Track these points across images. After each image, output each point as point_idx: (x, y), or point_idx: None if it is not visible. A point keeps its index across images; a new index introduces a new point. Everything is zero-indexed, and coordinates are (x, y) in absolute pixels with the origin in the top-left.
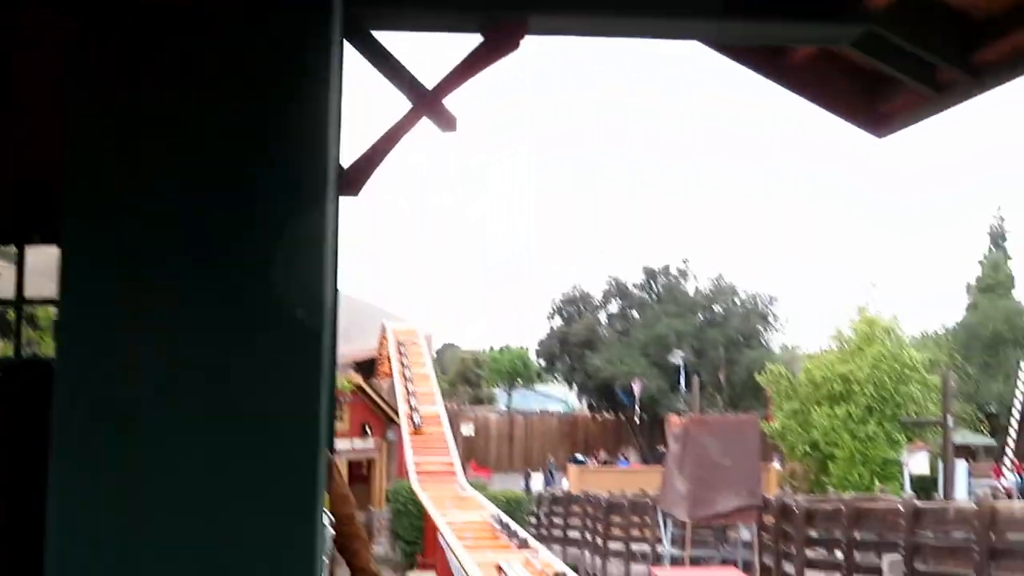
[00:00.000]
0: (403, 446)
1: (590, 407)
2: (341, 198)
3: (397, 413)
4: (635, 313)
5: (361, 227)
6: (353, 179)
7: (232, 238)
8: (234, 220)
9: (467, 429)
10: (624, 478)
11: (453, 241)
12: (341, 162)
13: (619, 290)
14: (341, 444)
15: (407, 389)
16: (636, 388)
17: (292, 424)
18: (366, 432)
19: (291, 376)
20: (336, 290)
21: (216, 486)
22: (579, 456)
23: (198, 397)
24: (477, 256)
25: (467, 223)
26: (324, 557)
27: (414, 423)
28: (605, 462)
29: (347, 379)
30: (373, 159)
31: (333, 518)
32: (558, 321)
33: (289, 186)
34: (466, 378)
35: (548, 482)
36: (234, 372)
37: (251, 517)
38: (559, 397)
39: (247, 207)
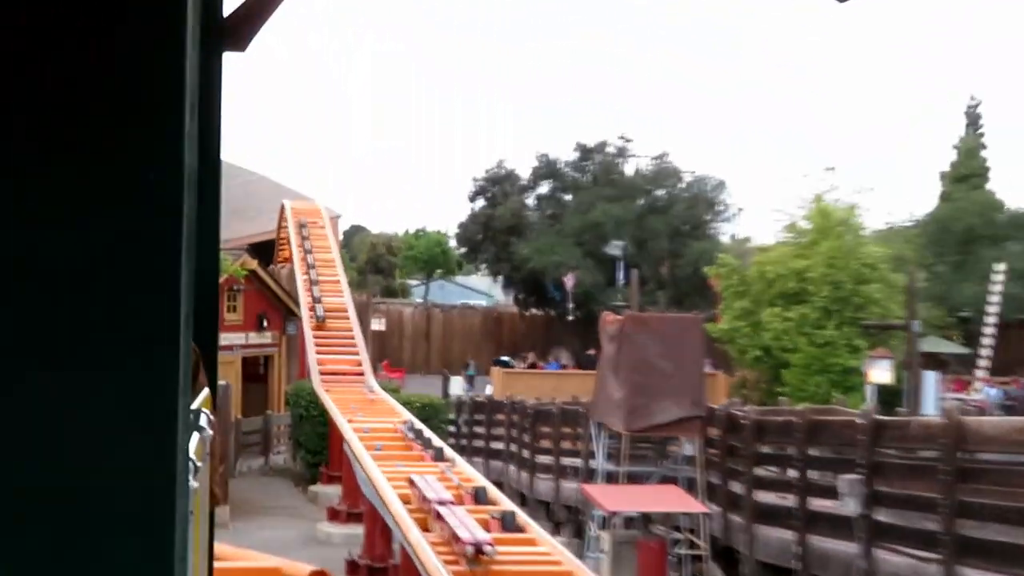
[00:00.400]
0: (305, 342)
1: (517, 302)
2: (226, 54)
3: (298, 304)
4: (568, 196)
5: (262, 91)
6: (237, 31)
7: (69, 86)
8: (71, 70)
9: (378, 324)
10: (554, 383)
11: (364, 112)
12: (222, 11)
13: (549, 169)
14: (234, 338)
15: (309, 277)
16: (568, 282)
17: (146, 316)
18: (263, 325)
19: (145, 257)
20: (217, 159)
21: (49, 389)
22: (504, 358)
23: (33, 274)
24: (390, 127)
25: (383, 94)
26: (196, 466)
27: (317, 316)
28: (533, 365)
29: (240, 264)
30: (261, 8)
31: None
32: (481, 203)
33: (139, 32)
34: (377, 266)
35: (469, 386)
36: (71, 250)
37: (94, 426)
38: (482, 291)
39: (82, 55)
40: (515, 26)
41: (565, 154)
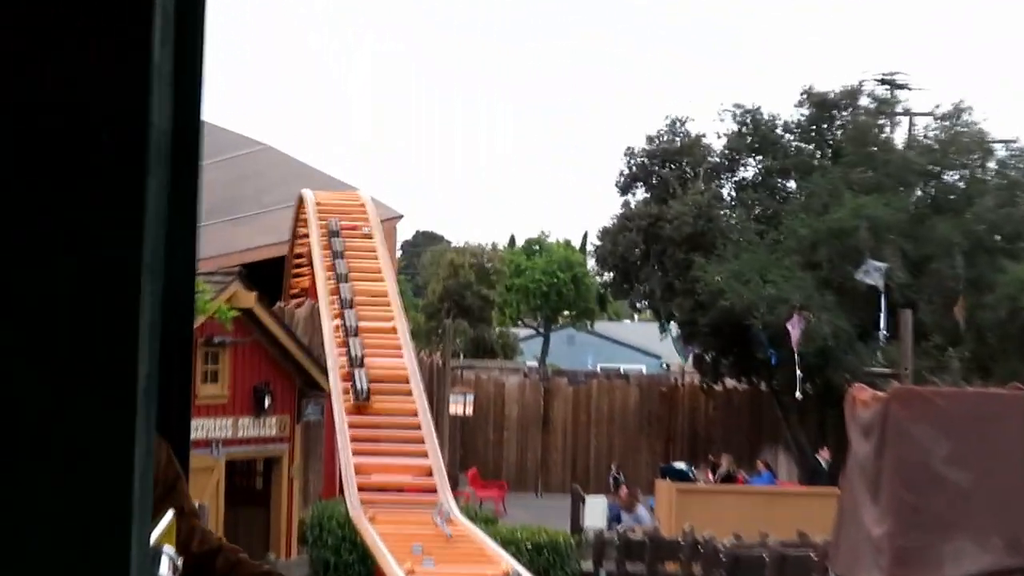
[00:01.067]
0: (335, 435)
1: (701, 366)
2: None
3: (322, 369)
4: (790, 184)
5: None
6: None
7: None
8: None
9: (461, 404)
10: (765, 508)
11: (437, 82)
12: None
13: (756, 131)
14: (213, 427)
15: (344, 321)
16: (793, 331)
17: (81, 386)
18: (263, 406)
19: (85, 280)
20: (197, 120)
21: None
22: (678, 464)
23: None
24: (484, 102)
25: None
26: None
27: (357, 390)
28: (728, 476)
29: (226, 301)
30: None
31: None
32: (640, 194)
33: None
34: (462, 303)
35: (617, 513)
36: None
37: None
38: (641, 346)
39: None
40: (515, 26)
41: (784, 109)
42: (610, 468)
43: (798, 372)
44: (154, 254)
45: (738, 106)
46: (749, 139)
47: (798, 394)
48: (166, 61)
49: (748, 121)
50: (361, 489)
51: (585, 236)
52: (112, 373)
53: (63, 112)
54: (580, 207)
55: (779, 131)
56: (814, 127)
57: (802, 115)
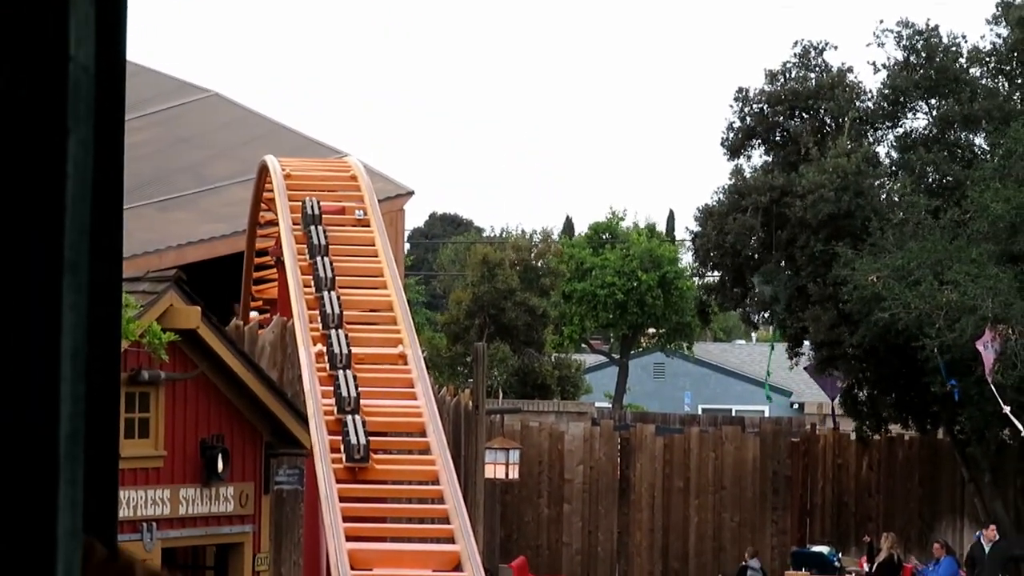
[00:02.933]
0: (319, 512)
1: (850, 404)
2: None
3: (300, 417)
4: (976, 137)
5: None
6: None
7: None
8: None
9: (502, 464)
10: None
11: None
12: None
13: (930, 62)
14: (143, 500)
15: (331, 347)
16: (985, 353)
17: None
18: (214, 469)
19: None
20: (119, 56)
21: None
22: (819, 548)
23: None
24: (519, 41)
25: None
26: None
27: (350, 447)
28: (891, 565)
29: (155, 321)
30: None
31: None
32: (755, 157)
33: None
34: (501, 317)
35: None
36: None
37: None
38: (757, 376)
39: None
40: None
41: (971, 28)
42: (744, 561)
43: (1004, 408)
44: (76, 248)
45: (904, 24)
46: (920, 73)
47: (994, 445)
48: None
49: (918, 46)
50: None
51: (672, 218)
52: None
53: None
54: (663, 176)
55: (964, 61)
56: (1015, 55)
57: (998, 37)
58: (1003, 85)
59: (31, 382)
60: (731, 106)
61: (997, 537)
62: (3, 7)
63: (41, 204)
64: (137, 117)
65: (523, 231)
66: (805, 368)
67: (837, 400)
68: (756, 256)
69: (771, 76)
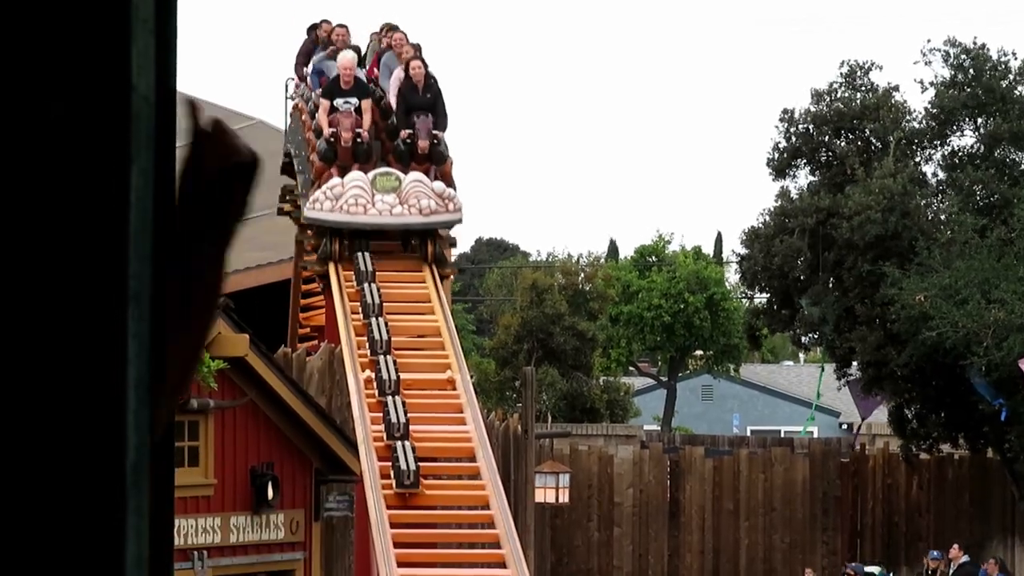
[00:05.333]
0: (369, 538)
1: (900, 424)
2: None
3: (350, 443)
4: None
5: None
6: None
7: None
8: None
9: (552, 488)
10: None
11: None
12: None
13: (979, 80)
14: (193, 528)
15: (379, 374)
16: None
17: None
18: (264, 496)
19: (51, 340)
20: (172, 85)
21: None
22: (871, 569)
23: None
24: (566, 63)
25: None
26: None
27: (400, 473)
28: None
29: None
30: None
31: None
32: (801, 178)
33: None
34: (549, 342)
35: None
36: None
37: None
38: (806, 397)
39: None
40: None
41: (1020, 44)
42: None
43: None
44: (139, 278)
45: (952, 43)
46: (967, 91)
47: None
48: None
49: (966, 65)
50: None
51: (719, 240)
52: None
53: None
54: (710, 198)
55: (1013, 78)
56: None
57: None
58: None
59: (99, 412)
60: (777, 126)
61: (965, 558)
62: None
63: (106, 234)
64: (183, 146)
65: (569, 255)
66: (847, 383)
67: (884, 419)
68: (803, 278)
69: (817, 96)
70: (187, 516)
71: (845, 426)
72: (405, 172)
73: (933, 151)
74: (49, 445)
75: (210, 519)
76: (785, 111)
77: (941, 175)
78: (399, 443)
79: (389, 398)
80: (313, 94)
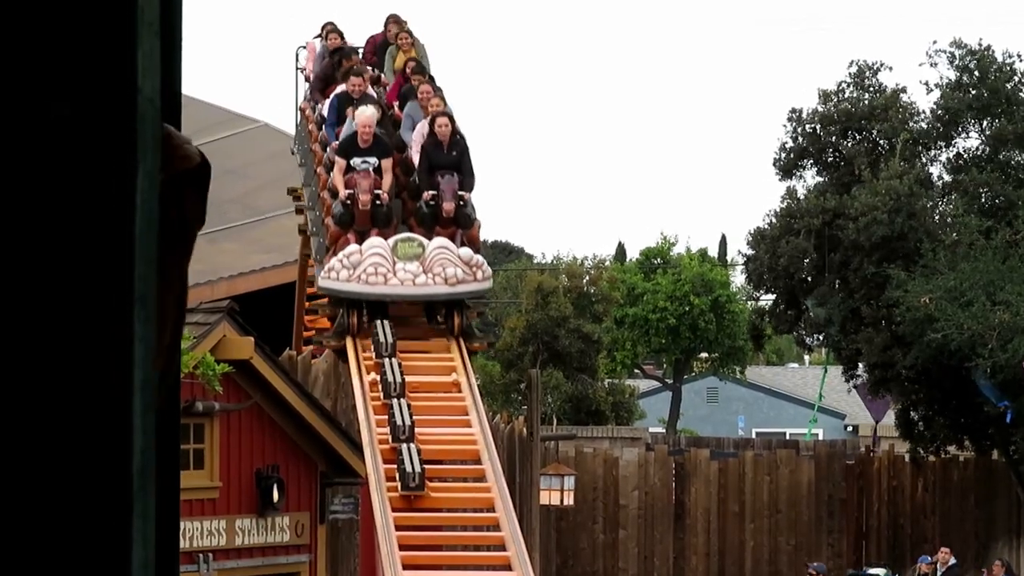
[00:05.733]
0: (375, 541)
1: (905, 426)
2: None
3: (355, 446)
4: None
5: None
6: None
7: None
8: None
9: (557, 490)
10: None
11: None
12: None
13: (984, 81)
14: (199, 530)
15: (384, 376)
16: None
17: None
18: (270, 499)
19: (54, 342)
20: (177, 88)
21: None
22: (876, 571)
23: None
24: (571, 63)
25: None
26: None
27: (405, 475)
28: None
29: (208, 352)
30: None
31: None
32: (808, 178)
33: None
34: (554, 344)
35: None
36: None
37: None
38: (811, 399)
39: None
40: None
41: (1016, 44)
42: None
43: None
44: (145, 281)
45: (957, 44)
46: (973, 93)
47: None
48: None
49: (971, 66)
50: None
51: (724, 242)
52: (98, 455)
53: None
54: (716, 201)
55: (1018, 80)
56: None
57: None
58: None
59: (105, 416)
60: (784, 126)
61: (952, 561)
62: (73, 39)
63: (111, 236)
64: None
65: (575, 257)
66: (855, 387)
67: (891, 421)
68: (809, 279)
69: (824, 96)
70: (192, 519)
71: (850, 428)
72: (429, 237)
73: (939, 152)
74: (55, 449)
75: (215, 522)
76: (793, 111)
77: (946, 177)
78: (404, 446)
79: (394, 401)
80: (328, 149)
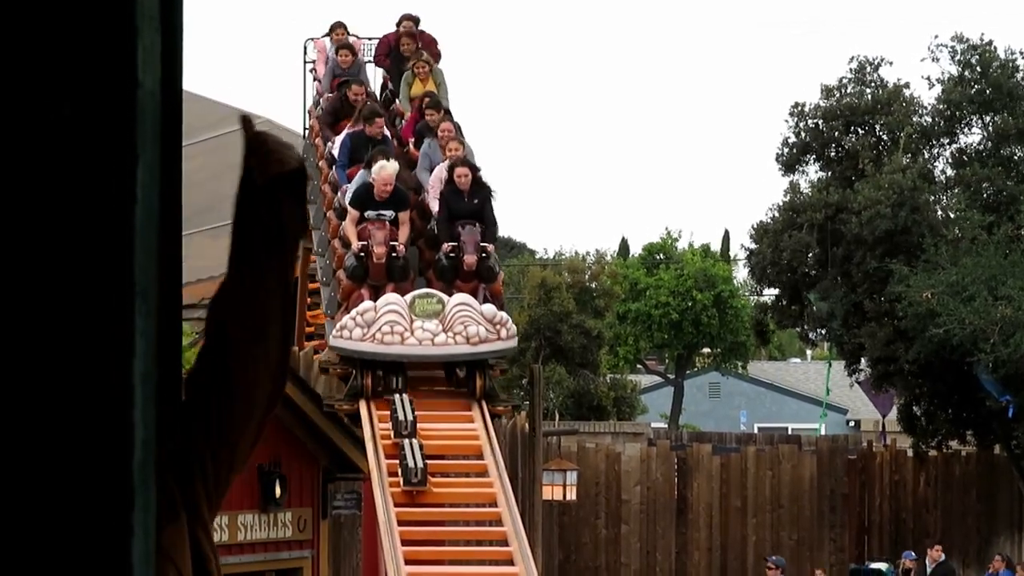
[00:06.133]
0: (377, 537)
1: (908, 421)
2: None
3: (356, 441)
4: None
5: None
6: None
7: None
8: None
9: (559, 485)
10: None
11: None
12: None
13: (986, 76)
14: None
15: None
16: None
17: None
18: (272, 495)
19: (57, 335)
20: (178, 83)
21: None
22: (878, 565)
23: None
24: (572, 56)
25: None
26: None
27: (408, 471)
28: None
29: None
30: None
31: None
32: (811, 173)
33: None
34: (557, 340)
35: None
36: None
37: None
38: (814, 394)
39: None
40: None
41: (1018, 39)
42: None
43: None
44: (145, 274)
45: (959, 39)
46: (976, 88)
47: None
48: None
49: (974, 61)
50: None
51: (727, 237)
52: (99, 448)
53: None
54: (716, 195)
55: (1021, 76)
56: None
57: None
58: None
59: (105, 410)
60: (786, 121)
61: (943, 557)
62: (74, 33)
63: (112, 229)
64: (189, 144)
65: (577, 252)
66: (859, 383)
67: (894, 416)
68: (812, 273)
69: (827, 91)
70: None
71: (852, 423)
72: (448, 292)
73: (942, 148)
74: (55, 442)
75: (217, 518)
76: (796, 105)
77: (949, 172)
78: (406, 441)
79: (396, 396)
80: (339, 193)
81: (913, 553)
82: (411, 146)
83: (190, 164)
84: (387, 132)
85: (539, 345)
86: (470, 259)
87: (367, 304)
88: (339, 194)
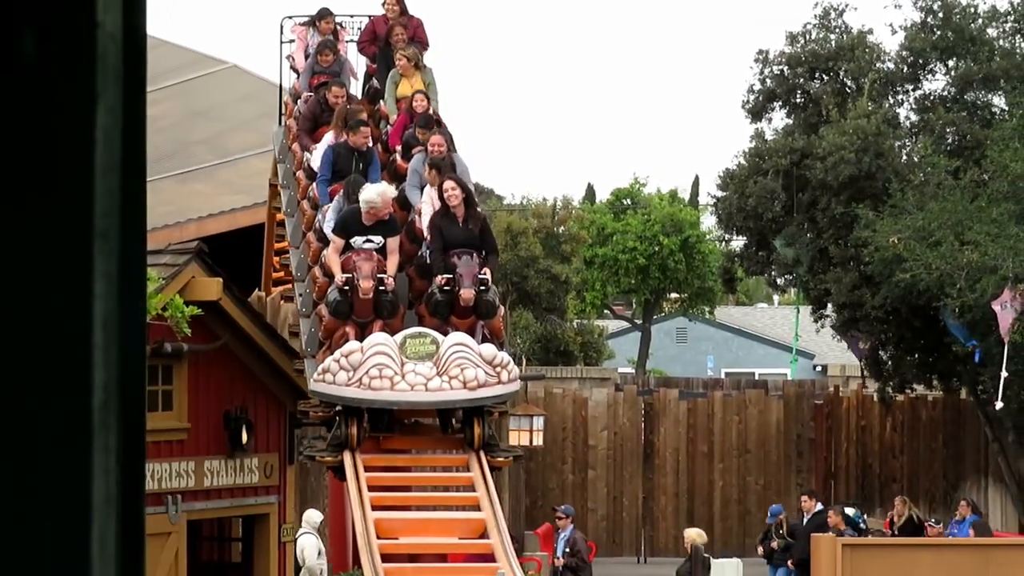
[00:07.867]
0: (347, 482)
1: (874, 366)
2: None
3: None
4: (995, 97)
5: None
6: None
7: None
8: None
9: (526, 430)
10: (974, 570)
11: None
12: None
13: (948, 23)
14: (167, 472)
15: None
16: (1003, 313)
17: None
18: (239, 440)
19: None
20: (142, 23)
21: None
22: (848, 510)
23: None
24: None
25: None
26: None
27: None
28: (915, 524)
29: (176, 293)
30: None
31: None
32: (776, 120)
33: None
34: (523, 285)
35: None
36: None
37: None
38: (781, 339)
39: None
40: None
41: None
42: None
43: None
44: (107, 215)
45: None
46: (938, 34)
47: (999, 403)
48: None
49: (935, 8)
50: (386, 559)
51: (696, 183)
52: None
53: None
54: (686, 141)
55: (982, 22)
56: None
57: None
58: (1021, 45)
59: (64, 348)
60: (751, 68)
61: (819, 508)
62: None
63: (69, 171)
64: (155, 90)
65: (544, 198)
66: (832, 327)
67: (858, 360)
68: (778, 219)
69: (791, 38)
70: (161, 460)
71: (819, 368)
72: (443, 331)
73: (906, 94)
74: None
75: (184, 463)
76: (760, 52)
77: (914, 117)
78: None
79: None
80: (320, 212)
81: (777, 507)
82: (398, 156)
83: (154, 109)
84: (371, 144)
85: (506, 290)
86: (467, 294)
87: (353, 344)
88: (320, 215)
